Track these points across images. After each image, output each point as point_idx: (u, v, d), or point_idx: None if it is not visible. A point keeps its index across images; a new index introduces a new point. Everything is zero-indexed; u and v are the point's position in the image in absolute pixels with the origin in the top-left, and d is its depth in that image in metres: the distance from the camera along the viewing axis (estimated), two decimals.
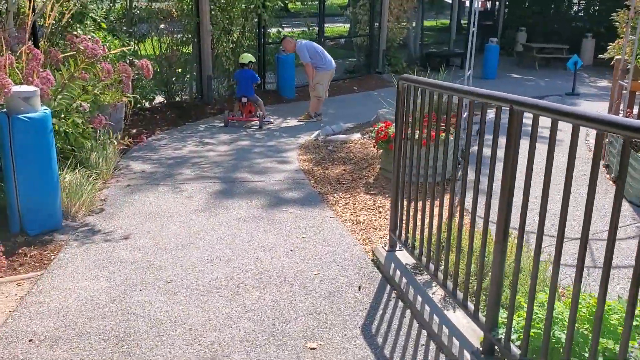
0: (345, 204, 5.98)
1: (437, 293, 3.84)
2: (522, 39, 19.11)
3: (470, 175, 3.65)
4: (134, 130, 9.17)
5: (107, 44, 8.51)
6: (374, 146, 6.92)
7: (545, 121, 2.65)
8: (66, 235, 5.03)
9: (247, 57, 9.98)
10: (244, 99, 9.90)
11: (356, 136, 8.67)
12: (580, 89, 14.22)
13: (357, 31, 15.25)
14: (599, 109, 11.55)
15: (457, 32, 19.27)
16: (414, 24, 16.87)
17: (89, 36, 8.18)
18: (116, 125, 8.38)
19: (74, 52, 6.19)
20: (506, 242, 3.03)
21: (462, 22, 22.11)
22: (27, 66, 5.34)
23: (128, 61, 8.85)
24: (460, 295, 3.42)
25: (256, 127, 9.68)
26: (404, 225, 4.32)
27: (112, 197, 6.06)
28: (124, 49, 8.28)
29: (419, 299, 3.79)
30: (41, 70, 5.29)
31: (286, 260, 4.56)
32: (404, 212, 4.31)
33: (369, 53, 14.90)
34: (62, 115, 6.07)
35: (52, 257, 4.61)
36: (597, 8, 19.95)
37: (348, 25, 21.77)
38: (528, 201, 2.80)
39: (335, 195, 6.24)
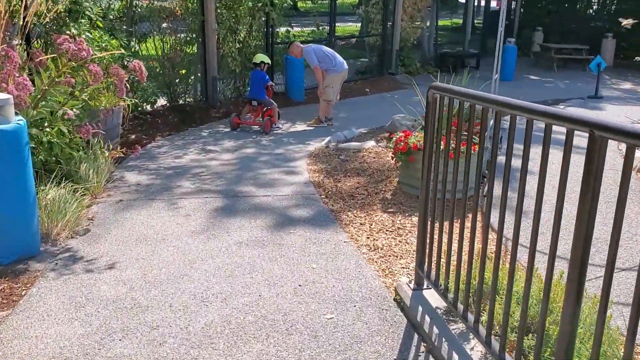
0: (361, 224, 5.28)
1: (476, 348, 3.13)
2: (539, 39, 18.32)
3: (510, 195, 2.93)
4: (133, 136, 8.50)
5: (104, 44, 7.85)
6: (392, 158, 6.20)
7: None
8: (43, 263, 4.35)
9: (259, 58, 9.30)
10: (254, 102, 9.22)
11: (370, 144, 7.95)
12: (603, 91, 13.44)
13: (369, 31, 14.52)
14: (626, 113, 10.79)
15: (471, 32, 18.50)
16: (427, 24, 16.12)
17: (84, 36, 7.52)
18: (112, 132, 7.72)
19: (62, 54, 5.52)
20: (582, 288, 2.31)
21: (476, 21, 21.35)
22: (1, 70, 4.67)
23: (125, 63, 8.19)
24: None
25: (264, 133, 8.98)
26: (433, 261, 3.61)
27: (101, 214, 5.38)
28: (121, 51, 7.59)
29: (455, 356, 3.08)
30: (17, 75, 4.61)
31: (294, 299, 3.86)
32: (434, 245, 3.60)
33: (382, 53, 14.17)
34: (46, 124, 5.40)
35: (24, 291, 3.94)
36: (617, 7, 19.11)
37: (359, 25, 21.08)
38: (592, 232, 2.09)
39: (349, 213, 5.53)
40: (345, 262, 4.43)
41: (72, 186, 5.41)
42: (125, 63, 8.17)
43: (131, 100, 8.70)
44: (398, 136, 5.99)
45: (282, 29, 12.10)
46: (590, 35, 18.05)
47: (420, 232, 3.75)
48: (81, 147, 5.92)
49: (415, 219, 5.37)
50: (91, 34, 7.81)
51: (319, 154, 7.77)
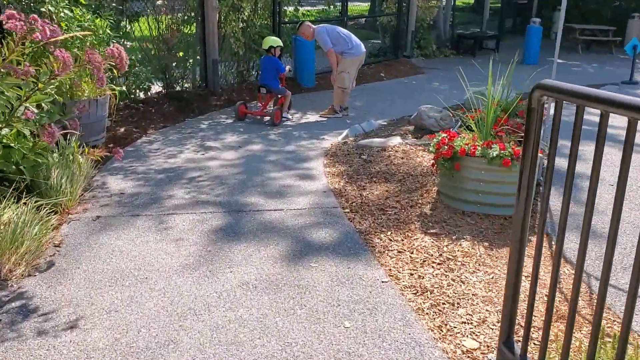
0: (399, 252, 4.09)
1: None
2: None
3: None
4: (122, 130, 7.28)
5: (87, 24, 6.60)
6: (434, 165, 4.97)
7: None
8: None
9: (269, 42, 8.05)
10: (263, 90, 8.00)
11: (396, 141, 6.72)
12: (636, 76, 12.16)
13: (383, 9, 13.21)
14: None
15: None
16: (444, 2, 14.78)
17: (63, 14, 6.28)
18: (97, 126, 6.51)
19: (14, 36, 4.29)
20: None
21: (491, 1, 19.94)
22: None
23: (112, 45, 6.94)
24: None
25: (273, 125, 7.77)
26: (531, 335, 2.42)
27: (72, 238, 4.20)
28: (87, 33, 6.35)
29: None
30: None
31: None
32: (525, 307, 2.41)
33: (396, 34, 12.87)
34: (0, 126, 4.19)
35: None
36: None
37: (367, 4, 19.70)
38: None
39: (381, 235, 4.34)
40: (388, 318, 3.24)
41: (36, 201, 4.22)
42: (112, 46, 6.92)
43: (121, 88, 7.48)
44: (440, 137, 4.77)
45: (290, 8, 10.81)
46: (614, 15, 16.71)
47: (511, 291, 2.55)
48: (50, 151, 4.72)
49: (466, 245, 4.18)
50: (72, 11, 6.56)
51: (336, 152, 6.55)
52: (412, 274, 3.77)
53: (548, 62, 13.64)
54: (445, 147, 4.64)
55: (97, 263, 3.83)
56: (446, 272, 3.82)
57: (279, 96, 8.20)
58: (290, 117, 8.24)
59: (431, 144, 4.81)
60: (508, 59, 14.73)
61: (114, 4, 7.97)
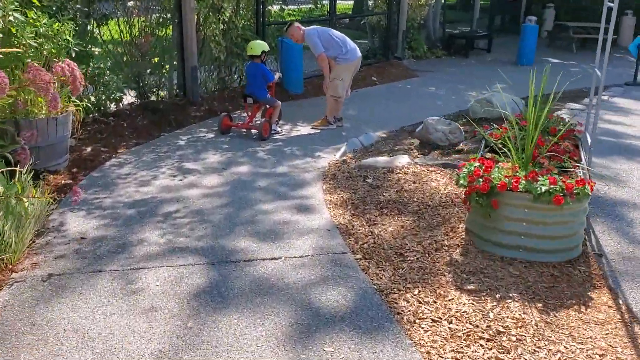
0: (434, 321, 3.14)
1: None
2: (551, 17, 16.15)
3: None
4: (89, 149, 6.25)
5: (43, 29, 5.56)
6: (465, 202, 4.01)
7: None
8: None
9: (256, 47, 7.00)
10: (249, 100, 7.01)
11: (403, 160, 5.75)
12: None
13: (371, 8, 12.25)
14: None
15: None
16: (433, 0, 13.85)
17: (12, 17, 5.23)
18: (57, 148, 5.50)
19: None
20: None
21: None
22: None
23: (73, 55, 5.90)
24: None
25: (261, 140, 6.80)
26: None
27: (11, 311, 3.19)
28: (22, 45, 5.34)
29: None
30: None
31: None
32: None
33: (387, 35, 11.91)
34: None
35: None
36: None
37: (350, 3, 18.73)
38: None
39: (407, 295, 3.40)
40: None
41: None
42: (74, 55, 5.88)
43: (84, 104, 6.45)
44: (473, 168, 3.82)
45: (275, 7, 9.80)
46: (608, 12, 15.89)
47: None
48: None
49: (515, 308, 3.24)
50: (25, 15, 5.51)
51: (336, 174, 5.59)
52: (457, 359, 2.83)
53: (543, 62, 12.80)
54: (481, 180, 3.69)
55: (40, 354, 2.83)
56: (500, 352, 2.88)
57: (267, 107, 7.23)
58: (279, 129, 7.26)
59: (461, 175, 3.86)
60: (501, 59, 13.90)
61: (78, 6, 6.91)
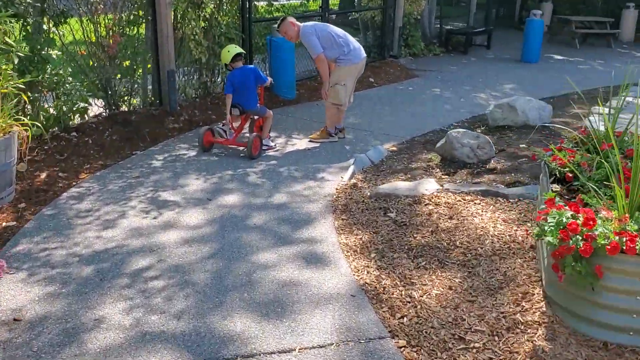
0: None
1: None
2: (549, 10, 15.09)
3: None
4: (43, 176, 5.01)
5: None
6: (556, 268, 2.81)
7: None
8: None
9: (231, 51, 5.79)
10: (235, 110, 5.81)
11: (430, 187, 4.58)
12: None
13: (364, 3, 11.06)
14: None
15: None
16: None
17: None
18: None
19: None
20: None
21: None
22: None
23: (16, 61, 4.66)
24: None
25: (251, 158, 5.61)
26: None
27: None
28: None
29: None
30: None
31: None
32: None
33: (382, 31, 10.74)
34: None
35: None
36: None
37: None
38: None
39: None
40: None
41: None
42: (16, 61, 4.64)
43: (43, 118, 5.23)
44: (568, 220, 2.65)
45: (263, 2, 8.57)
46: (606, 5, 14.91)
47: None
48: None
49: None
50: None
51: (347, 205, 4.42)
52: None
53: (547, 59, 11.72)
54: (580, 239, 2.53)
55: None
56: None
57: (256, 117, 6.04)
58: (272, 144, 6.06)
59: (546, 229, 2.69)
60: (503, 56, 12.73)
61: (29, 0, 5.63)
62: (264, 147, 5.85)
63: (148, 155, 5.70)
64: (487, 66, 10.86)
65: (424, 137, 6.62)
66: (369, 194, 4.62)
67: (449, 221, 3.97)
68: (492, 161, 5.22)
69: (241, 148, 5.85)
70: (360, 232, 3.94)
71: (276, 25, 6.38)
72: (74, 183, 4.93)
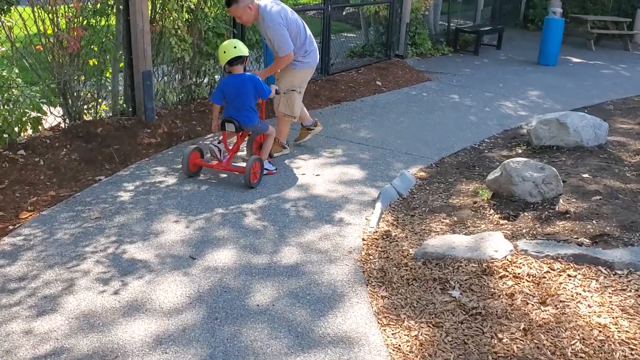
0: None
1: None
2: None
3: None
4: None
5: None
6: None
7: None
8: None
9: (232, 49, 4.38)
10: (230, 126, 4.44)
11: (500, 246, 3.24)
12: None
13: None
14: None
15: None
16: None
17: None
18: None
19: None
20: None
21: None
22: None
23: None
24: None
25: (246, 186, 4.28)
26: None
27: None
28: None
29: None
30: None
31: None
32: None
33: (386, 28, 9.41)
34: None
35: None
36: None
37: None
38: None
39: None
40: None
41: None
42: None
43: None
44: None
45: None
46: (617, 4, 13.72)
47: None
48: None
49: None
50: None
51: (385, 270, 3.13)
52: None
53: (566, 62, 10.48)
54: None
55: None
56: None
57: (253, 135, 4.73)
58: (274, 169, 4.73)
59: None
60: (516, 57, 11.37)
61: None
62: (264, 171, 4.53)
63: (115, 184, 4.34)
64: (502, 69, 9.60)
65: (454, 157, 5.35)
66: (412, 252, 3.31)
67: (543, 309, 2.68)
68: (561, 200, 3.94)
69: (236, 172, 4.52)
70: (413, 323, 2.64)
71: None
72: (9, 227, 3.57)
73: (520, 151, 5.47)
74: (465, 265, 3.05)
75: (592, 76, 9.35)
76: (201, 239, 3.47)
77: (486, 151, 5.58)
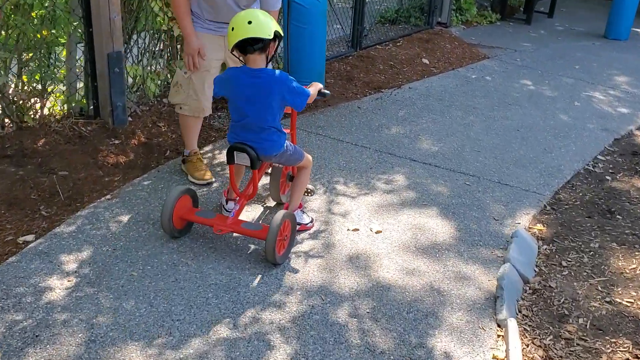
0: None
1: None
2: None
3: None
4: None
5: None
6: None
7: None
8: None
9: (246, 28, 2.40)
10: (244, 158, 2.51)
11: None
12: None
13: None
14: None
15: None
16: None
17: None
18: None
19: None
20: None
21: None
22: None
23: None
24: None
25: (273, 262, 2.42)
26: None
27: None
28: None
29: None
30: None
31: None
32: None
33: None
34: None
35: None
36: None
37: None
38: None
39: None
40: None
41: None
42: None
43: None
44: None
45: None
46: None
47: None
48: None
49: None
50: None
51: None
52: None
53: (637, 36, 8.45)
54: None
55: None
56: None
57: (277, 169, 2.85)
58: (310, 221, 2.85)
59: None
60: (576, 28, 9.13)
61: None
62: (297, 228, 2.66)
63: (46, 256, 2.48)
64: (568, 45, 7.60)
65: (571, 191, 3.51)
66: None
67: None
68: None
69: (248, 233, 2.65)
70: None
71: None
72: None
73: None
74: None
75: None
76: None
77: (609, 178, 3.72)
